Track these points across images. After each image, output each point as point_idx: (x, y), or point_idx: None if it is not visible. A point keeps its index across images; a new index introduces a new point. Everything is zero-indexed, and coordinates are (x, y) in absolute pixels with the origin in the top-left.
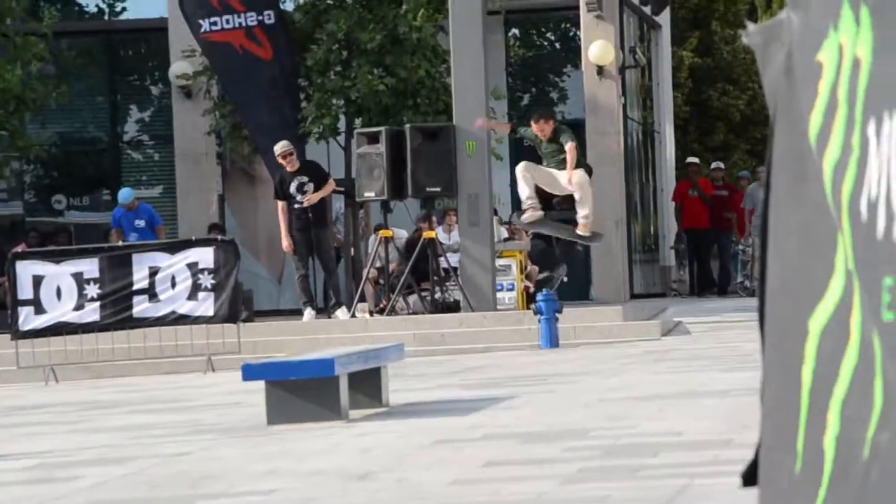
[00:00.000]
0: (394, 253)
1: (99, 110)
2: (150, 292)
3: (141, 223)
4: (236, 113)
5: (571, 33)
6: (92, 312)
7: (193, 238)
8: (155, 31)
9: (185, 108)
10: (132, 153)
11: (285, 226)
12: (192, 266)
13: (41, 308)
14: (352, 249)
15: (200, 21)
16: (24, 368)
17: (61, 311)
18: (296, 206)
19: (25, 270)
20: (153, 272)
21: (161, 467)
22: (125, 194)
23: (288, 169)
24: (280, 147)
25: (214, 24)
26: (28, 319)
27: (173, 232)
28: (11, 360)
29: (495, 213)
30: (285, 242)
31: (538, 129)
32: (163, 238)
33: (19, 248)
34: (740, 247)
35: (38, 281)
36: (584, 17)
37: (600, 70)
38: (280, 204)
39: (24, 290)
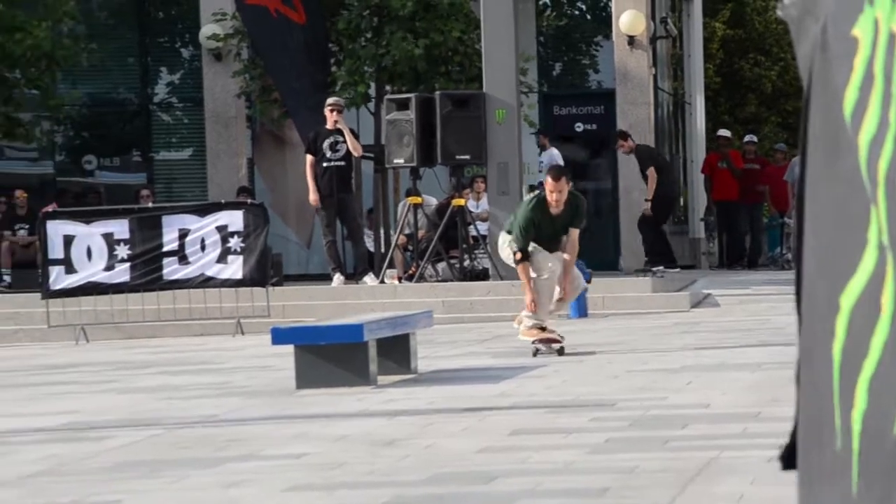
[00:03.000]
0: (423, 220)
1: (129, 72)
2: (180, 254)
3: None
4: (266, 76)
5: (602, 3)
6: (122, 273)
7: (223, 201)
8: None
9: (215, 70)
10: (162, 115)
11: (313, 181)
12: (222, 229)
13: (72, 268)
14: (381, 216)
15: None
16: (54, 328)
17: (92, 270)
18: (324, 163)
19: (56, 230)
20: (183, 234)
21: (190, 429)
22: None
23: (327, 125)
24: (334, 99)
25: None
26: (59, 279)
27: (203, 195)
28: (42, 319)
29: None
30: (313, 196)
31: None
32: None
33: (50, 208)
34: (785, 219)
35: (68, 241)
36: None
37: (631, 40)
38: (309, 159)
39: (55, 250)
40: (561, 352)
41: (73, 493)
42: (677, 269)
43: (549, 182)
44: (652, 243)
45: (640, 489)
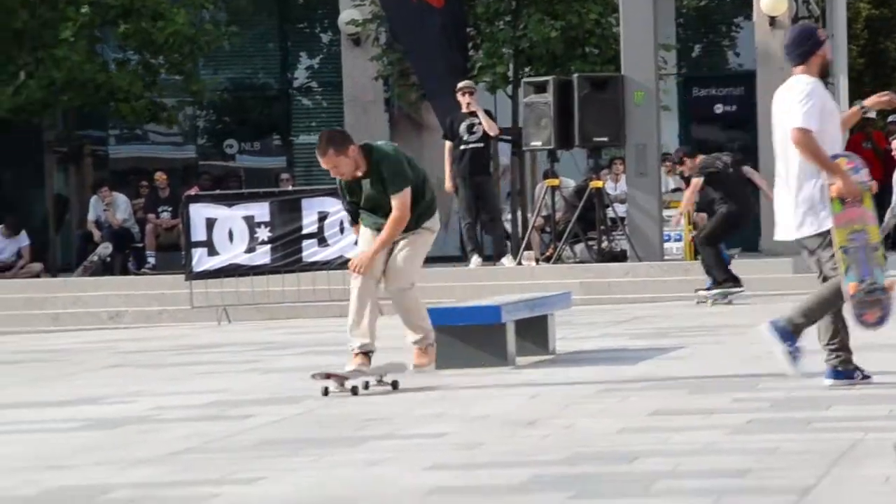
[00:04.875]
0: (560, 202)
1: (270, 57)
2: (319, 237)
3: None
4: (404, 60)
5: None
6: (263, 255)
7: None
8: None
9: (353, 55)
10: (302, 99)
11: (450, 168)
12: None
13: (214, 250)
14: (518, 198)
15: None
16: (197, 308)
17: (233, 253)
18: (461, 146)
19: (198, 213)
20: (322, 217)
21: (330, 408)
22: None
23: (463, 109)
24: (465, 83)
25: None
26: (201, 261)
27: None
28: (186, 300)
29: (663, 162)
30: (448, 184)
31: None
32: None
33: (192, 191)
34: None
35: (210, 223)
36: None
37: (773, 21)
38: (447, 144)
39: (198, 232)
40: (355, 391)
41: (219, 470)
42: (742, 289)
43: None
44: (710, 265)
45: (783, 470)
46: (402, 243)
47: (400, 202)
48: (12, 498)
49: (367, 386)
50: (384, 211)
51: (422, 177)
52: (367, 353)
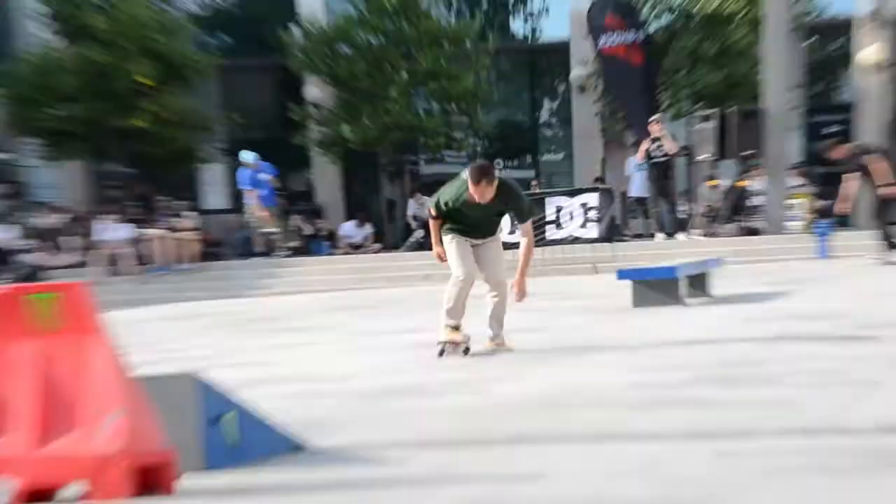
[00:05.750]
0: (718, 195)
1: (523, 102)
2: (557, 223)
3: (267, 177)
4: (615, 102)
5: None
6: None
7: (584, 187)
8: (558, 48)
9: (581, 100)
10: (545, 131)
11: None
12: (584, 205)
13: None
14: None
15: (601, 36)
16: None
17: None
18: (651, 160)
19: None
20: (558, 209)
21: (561, 335)
22: (251, 156)
23: (652, 133)
24: (655, 116)
25: (610, 38)
26: None
27: (570, 183)
28: None
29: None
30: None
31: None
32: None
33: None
34: None
35: None
36: None
37: (867, 68)
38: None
39: None
40: (466, 351)
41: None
42: None
43: (470, 185)
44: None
45: None
46: (492, 247)
47: (529, 228)
48: (377, 389)
49: (467, 351)
50: (482, 231)
51: None
52: (458, 328)
